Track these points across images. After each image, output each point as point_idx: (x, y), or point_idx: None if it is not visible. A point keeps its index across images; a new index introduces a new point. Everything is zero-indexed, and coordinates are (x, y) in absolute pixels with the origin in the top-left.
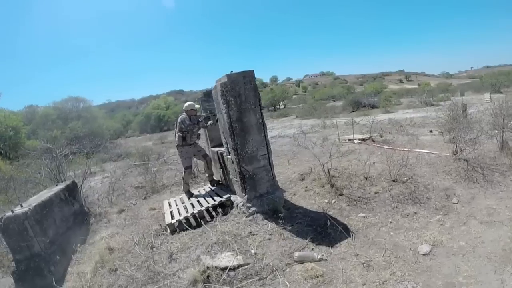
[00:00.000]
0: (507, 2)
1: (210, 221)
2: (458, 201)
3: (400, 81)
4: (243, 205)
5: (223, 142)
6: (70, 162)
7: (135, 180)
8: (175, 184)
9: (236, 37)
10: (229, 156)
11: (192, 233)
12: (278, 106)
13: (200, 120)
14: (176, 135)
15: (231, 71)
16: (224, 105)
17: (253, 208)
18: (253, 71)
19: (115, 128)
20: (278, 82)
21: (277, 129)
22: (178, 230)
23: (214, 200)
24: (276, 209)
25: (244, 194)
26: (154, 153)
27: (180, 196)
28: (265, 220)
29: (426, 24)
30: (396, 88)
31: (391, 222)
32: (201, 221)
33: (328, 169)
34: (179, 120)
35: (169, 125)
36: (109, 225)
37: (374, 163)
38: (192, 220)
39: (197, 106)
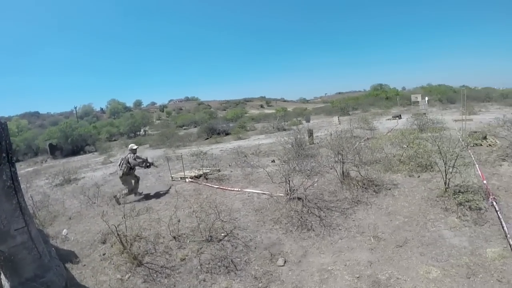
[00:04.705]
0: (355, 32)
1: None
2: (285, 262)
3: (261, 106)
4: None
5: None
6: None
7: None
8: None
9: (98, 58)
10: None
11: None
12: (138, 133)
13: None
14: (124, 167)
15: None
16: None
17: None
18: None
19: None
20: (143, 106)
21: None
22: None
23: None
24: None
25: (7, 281)
26: None
27: None
28: None
29: (283, 54)
30: (256, 113)
31: None
32: None
33: (119, 236)
34: (130, 157)
35: (18, 155)
36: None
37: (179, 220)
38: None
39: (135, 146)
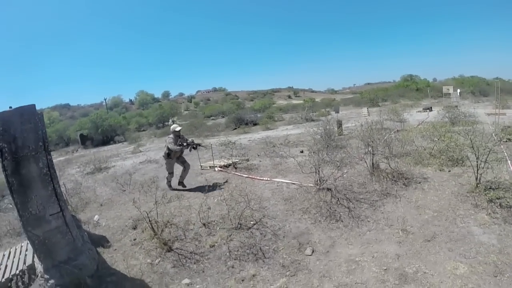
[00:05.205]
0: (386, 25)
1: None
2: (312, 252)
3: (289, 96)
4: (41, 277)
5: None
6: None
7: None
8: (8, 235)
9: (127, 50)
10: None
11: None
12: (167, 123)
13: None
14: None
15: (10, 107)
16: None
17: (52, 281)
18: (34, 106)
19: None
20: (171, 97)
21: (153, 150)
22: None
23: (17, 268)
24: (79, 281)
25: (40, 263)
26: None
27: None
28: None
29: (311, 45)
30: (284, 103)
31: None
32: None
33: (150, 222)
34: (167, 141)
35: (49, 145)
36: None
37: (209, 207)
38: None
39: (178, 128)
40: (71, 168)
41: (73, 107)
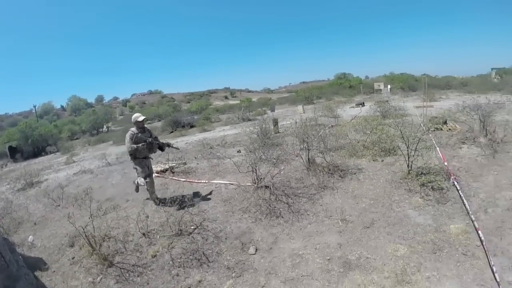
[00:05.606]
0: (319, 24)
1: None
2: (256, 251)
3: (226, 97)
4: None
5: None
6: None
7: None
8: None
9: (57, 56)
10: None
11: None
12: (101, 130)
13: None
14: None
15: None
16: None
17: None
18: None
19: None
20: (105, 101)
21: (87, 160)
22: None
23: None
24: None
25: None
26: None
27: None
28: None
29: (247, 46)
30: (220, 104)
31: None
32: None
33: (87, 237)
34: (127, 136)
35: None
36: None
37: (147, 216)
38: None
39: (142, 117)
40: (0, 185)
41: (0, 116)
